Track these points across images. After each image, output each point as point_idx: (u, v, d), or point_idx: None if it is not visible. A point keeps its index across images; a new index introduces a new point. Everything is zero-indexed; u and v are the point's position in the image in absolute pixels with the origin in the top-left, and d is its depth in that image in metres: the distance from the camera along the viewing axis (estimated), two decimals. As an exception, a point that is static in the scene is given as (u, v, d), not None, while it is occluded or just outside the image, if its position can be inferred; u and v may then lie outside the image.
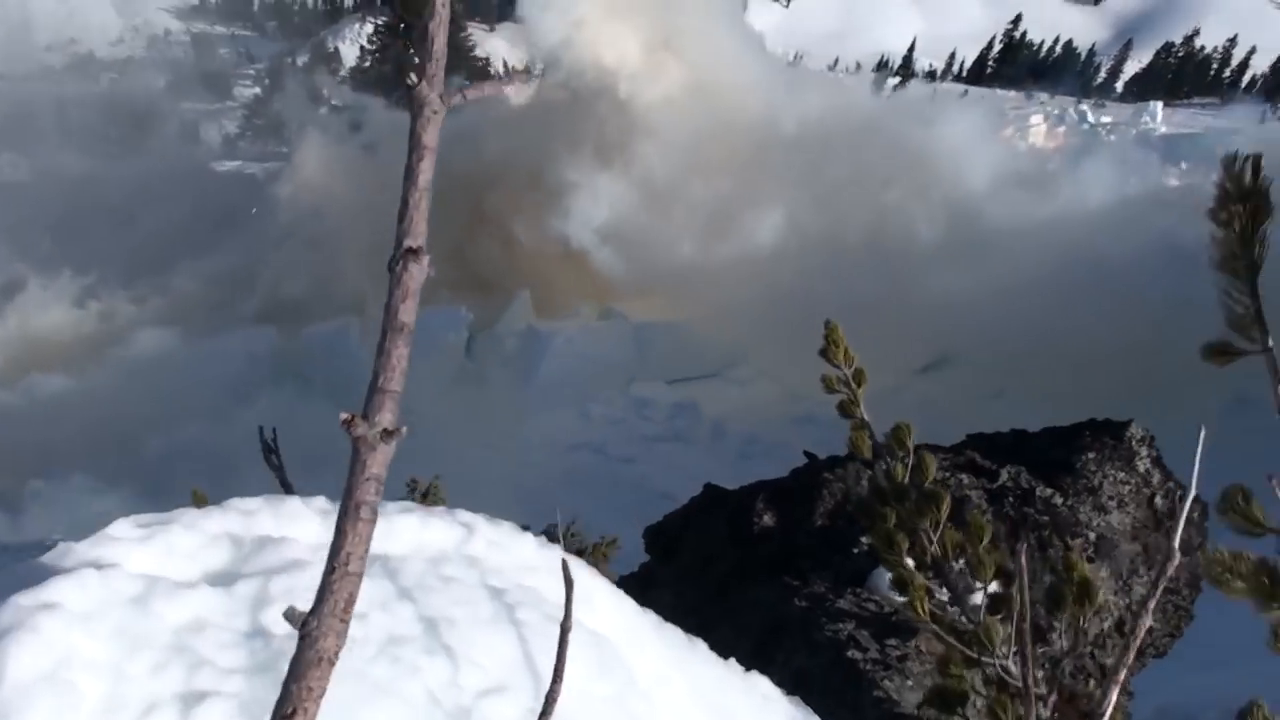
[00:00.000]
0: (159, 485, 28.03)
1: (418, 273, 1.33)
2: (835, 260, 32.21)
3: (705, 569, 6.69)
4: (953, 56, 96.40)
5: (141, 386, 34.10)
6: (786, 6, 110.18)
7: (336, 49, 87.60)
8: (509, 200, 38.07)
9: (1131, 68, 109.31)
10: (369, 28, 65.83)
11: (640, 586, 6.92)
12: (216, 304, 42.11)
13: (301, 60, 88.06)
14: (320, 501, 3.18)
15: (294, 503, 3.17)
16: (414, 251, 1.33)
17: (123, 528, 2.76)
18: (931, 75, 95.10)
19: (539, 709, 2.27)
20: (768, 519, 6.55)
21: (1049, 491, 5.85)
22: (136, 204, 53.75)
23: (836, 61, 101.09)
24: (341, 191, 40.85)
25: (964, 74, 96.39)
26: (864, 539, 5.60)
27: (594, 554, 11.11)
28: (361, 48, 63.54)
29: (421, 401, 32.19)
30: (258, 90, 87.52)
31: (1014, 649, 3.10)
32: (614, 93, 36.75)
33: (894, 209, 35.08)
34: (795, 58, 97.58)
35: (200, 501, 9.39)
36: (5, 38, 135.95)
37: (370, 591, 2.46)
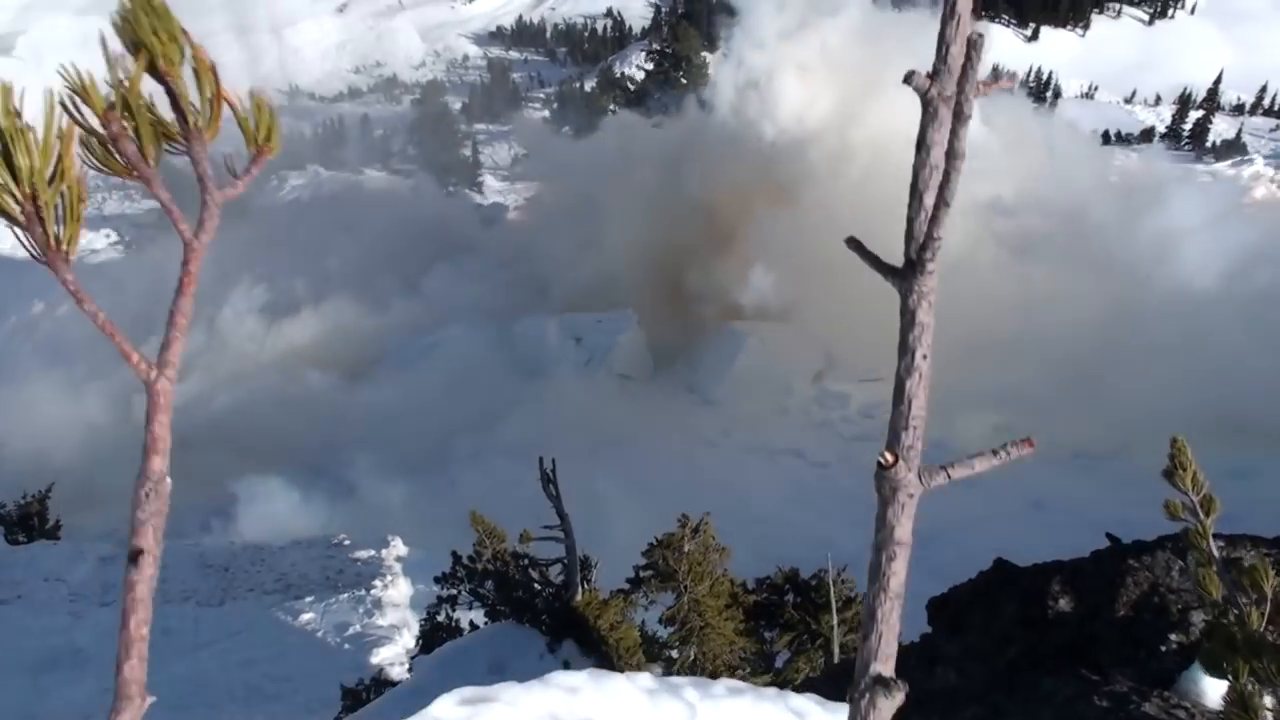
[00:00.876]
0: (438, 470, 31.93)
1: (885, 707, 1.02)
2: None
3: (994, 650, 6.24)
4: (1264, 90, 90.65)
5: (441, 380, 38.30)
6: (1083, 36, 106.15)
7: (623, 74, 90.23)
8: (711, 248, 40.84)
9: None
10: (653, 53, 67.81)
11: (924, 661, 6.80)
12: (518, 301, 46.06)
13: (589, 84, 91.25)
14: (645, 679, 3.16)
15: (618, 681, 3.16)
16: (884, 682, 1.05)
17: (446, 707, 3.16)
18: (1239, 109, 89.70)
19: None
20: (1064, 603, 6.08)
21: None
22: (426, 215, 58.84)
23: (1134, 94, 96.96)
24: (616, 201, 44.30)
25: (1276, 108, 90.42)
26: (1172, 636, 5.30)
27: (863, 602, 11.89)
28: (646, 72, 65.52)
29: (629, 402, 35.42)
30: (546, 113, 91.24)
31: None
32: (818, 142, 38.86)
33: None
34: (1090, 90, 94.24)
35: (477, 524, 10.73)
36: (319, 61, 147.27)
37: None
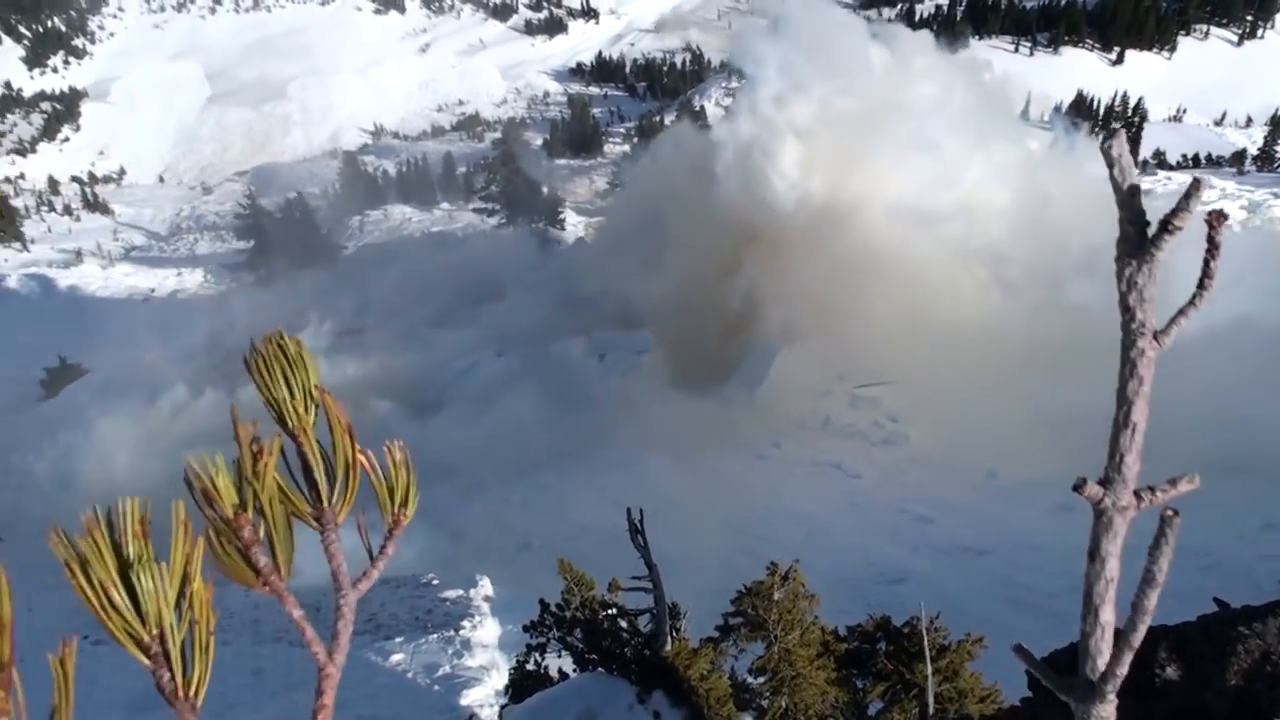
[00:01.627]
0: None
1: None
2: None
3: None
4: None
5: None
6: (1169, 59, 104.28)
7: (702, 107, 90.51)
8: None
9: None
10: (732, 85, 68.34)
11: None
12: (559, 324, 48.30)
13: (669, 118, 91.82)
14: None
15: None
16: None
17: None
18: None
19: None
20: (1171, 671, 5.44)
21: None
22: (499, 251, 61.02)
23: (1224, 116, 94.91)
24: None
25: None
26: None
27: (958, 651, 11.61)
28: (725, 108, 66.15)
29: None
30: (626, 147, 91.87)
31: None
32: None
33: None
34: (1178, 113, 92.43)
35: (565, 571, 10.68)
36: (403, 100, 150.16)
37: None
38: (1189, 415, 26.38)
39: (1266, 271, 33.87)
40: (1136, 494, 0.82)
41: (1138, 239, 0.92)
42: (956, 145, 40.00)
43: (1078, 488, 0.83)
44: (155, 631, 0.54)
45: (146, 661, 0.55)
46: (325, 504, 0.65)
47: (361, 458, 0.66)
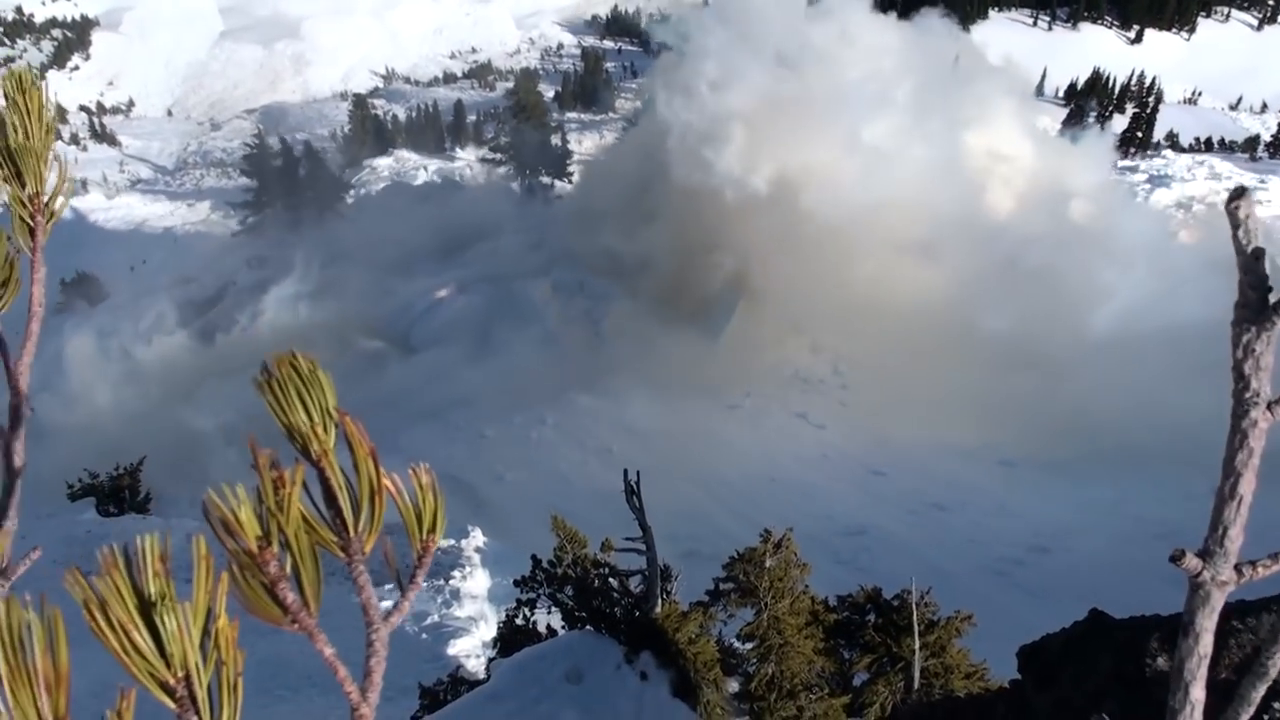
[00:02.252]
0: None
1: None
2: None
3: (1088, 706, 5.77)
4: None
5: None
6: (1188, 40, 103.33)
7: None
8: None
9: None
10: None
11: (1014, 711, 6.60)
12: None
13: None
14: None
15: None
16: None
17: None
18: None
19: None
20: (1162, 661, 5.47)
21: None
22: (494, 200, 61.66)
23: (1239, 101, 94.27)
24: None
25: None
26: (1276, 705, 4.96)
27: (946, 627, 11.67)
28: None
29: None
30: (638, 103, 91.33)
31: None
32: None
33: None
34: (1193, 95, 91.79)
35: (558, 528, 10.73)
36: (416, 45, 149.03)
37: None
38: (1125, 405, 29.54)
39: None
40: (1237, 568, 0.80)
41: (1259, 304, 0.88)
42: (887, 130, 40.39)
43: (1175, 559, 0.80)
44: (180, 674, 0.52)
45: (172, 705, 0.53)
46: (351, 533, 0.64)
47: (387, 482, 0.64)
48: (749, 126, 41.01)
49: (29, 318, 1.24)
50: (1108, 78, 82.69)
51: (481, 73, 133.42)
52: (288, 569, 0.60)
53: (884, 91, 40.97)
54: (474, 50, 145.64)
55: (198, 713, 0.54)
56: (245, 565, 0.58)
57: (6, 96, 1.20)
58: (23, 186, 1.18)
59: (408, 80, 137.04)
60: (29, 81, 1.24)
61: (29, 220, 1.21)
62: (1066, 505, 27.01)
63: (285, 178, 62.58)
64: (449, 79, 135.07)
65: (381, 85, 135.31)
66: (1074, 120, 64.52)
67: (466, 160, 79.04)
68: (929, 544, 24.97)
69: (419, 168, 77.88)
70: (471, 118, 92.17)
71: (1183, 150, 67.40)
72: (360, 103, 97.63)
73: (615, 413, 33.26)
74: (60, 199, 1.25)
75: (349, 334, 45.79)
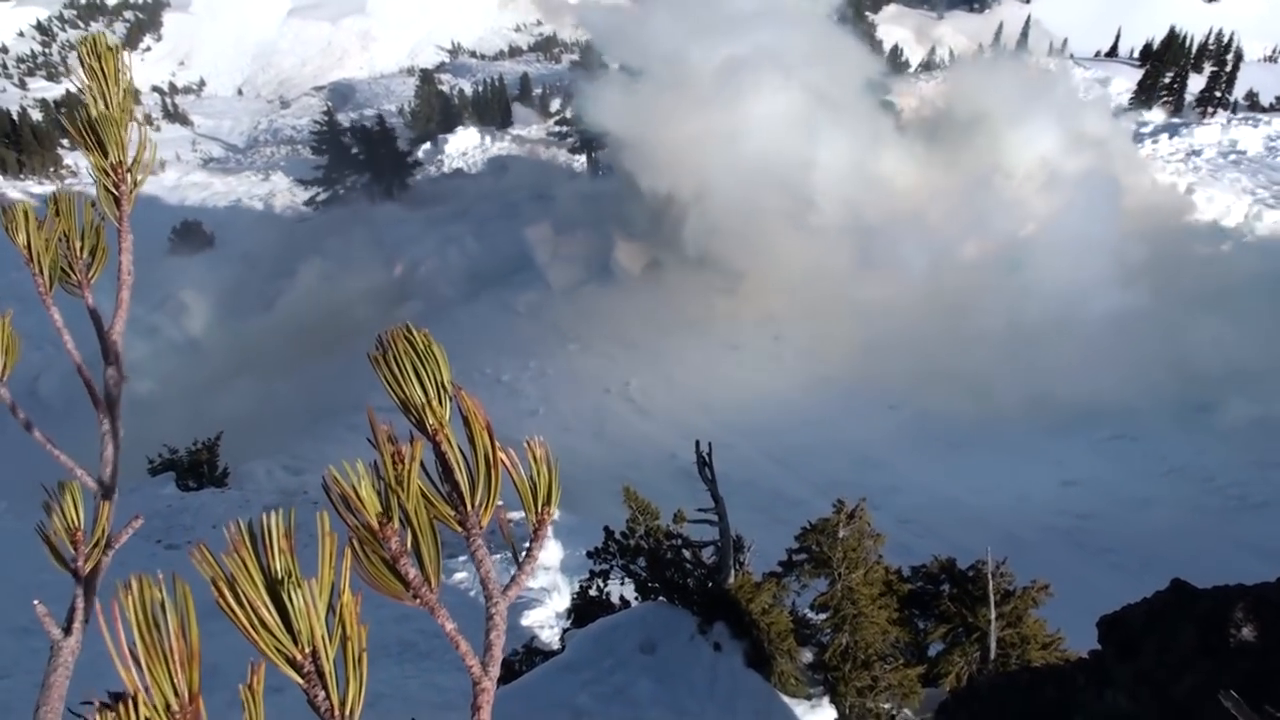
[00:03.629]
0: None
1: None
2: None
3: (1170, 678, 5.90)
4: None
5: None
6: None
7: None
8: None
9: None
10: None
11: (1094, 682, 6.72)
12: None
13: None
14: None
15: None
16: None
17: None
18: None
19: None
20: (1247, 632, 5.63)
21: None
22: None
23: None
24: None
25: None
26: None
27: (1023, 597, 11.52)
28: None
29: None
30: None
31: None
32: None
33: None
34: (1274, 53, 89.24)
35: (630, 499, 10.73)
36: (481, 18, 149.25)
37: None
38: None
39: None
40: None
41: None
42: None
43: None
44: (308, 650, 0.52)
45: (300, 680, 0.53)
46: (469, 507, 0.63)
47: (502, 455, 0.64)
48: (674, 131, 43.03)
49: (119, 285, 1.26)
50: (1184, 36, 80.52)
51: (547, 45, 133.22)
52: (408, 544, 0.60)
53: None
54: (539, 23, 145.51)
55: (325, 687, 0.54)
56: (366, 541, 0.58)
57: (83, 64, 1.21)
58: (105, 156, 1.20)
59: (473, 54, 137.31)
60: (104, 46, 1.24)
61: (113, 189, 1.22)
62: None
63: (355, 154, 63.25)
64: (514, 52, 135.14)
65: (448, 60, 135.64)
66: (1149, 81, 62.73)
67: (534, 134, 79.02)
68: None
69: (485, 144, 78.06)
70: (538, 91, 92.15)
71: (1264, 109, 65.41)
72: (427, 78, 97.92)
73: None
74: (143, 168, 1.27)
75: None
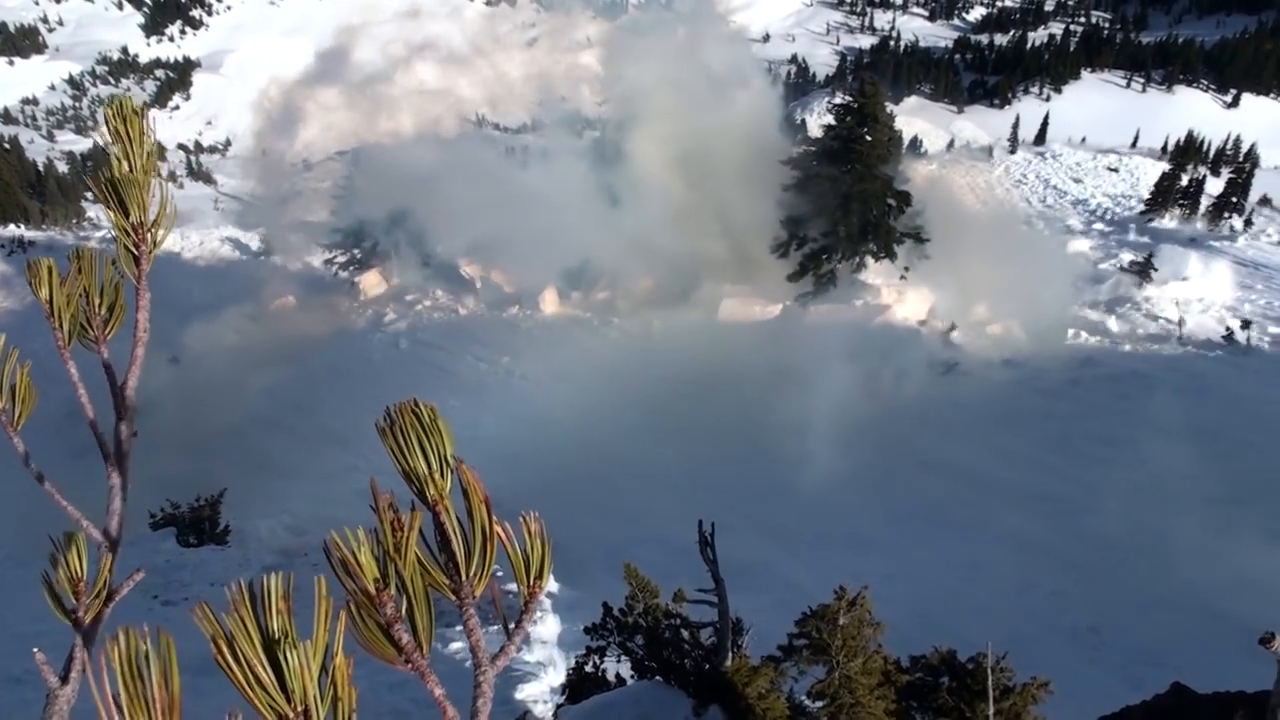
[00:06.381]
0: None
1: None
2: None
3: None
4: None
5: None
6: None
7: (803, 120, 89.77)
8: None
9: None
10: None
11: None
12: None
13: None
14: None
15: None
16: None
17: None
18: None
19: None
20: None
21: None
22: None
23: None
24: None
25: None
26: None
27: (1022, 694, 11.35)
28: (826, 127, 65.88)
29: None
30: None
31: None
32: None
33: None
34: None
35: (630, 576, 10.59)
36: (507, 92, 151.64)
37: None
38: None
39: None
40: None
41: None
42: None
43: (1265, 642, 0.79)
44: (300, 708, 0.54)
45: (289, 740, 0.55)
46: (464, 577, 0.65)
47: (499, 529, 0.66)
48: None
49: (134, 342, 1.29)
50: (1201, 140, 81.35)
51: (570, 121, 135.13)
52: (403, 611, 0.62)
53: None
54: (563, 99, 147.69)
55: (315, 748, 0.55)
56: (363, 605, 0.60)
57: (109, 125, 1.25)
58: (126, 215, 1.23)
59: (496, 126, 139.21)
60: (130, 109, 1.29)
61: (133, 248, 1.26)
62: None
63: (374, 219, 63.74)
64: (537, 126, 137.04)
65: (471, 131, 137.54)
66: (1169, 179, 63.05)
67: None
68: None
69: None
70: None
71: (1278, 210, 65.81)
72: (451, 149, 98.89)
73: None
74: (162, 229, 1.30)
75: None
